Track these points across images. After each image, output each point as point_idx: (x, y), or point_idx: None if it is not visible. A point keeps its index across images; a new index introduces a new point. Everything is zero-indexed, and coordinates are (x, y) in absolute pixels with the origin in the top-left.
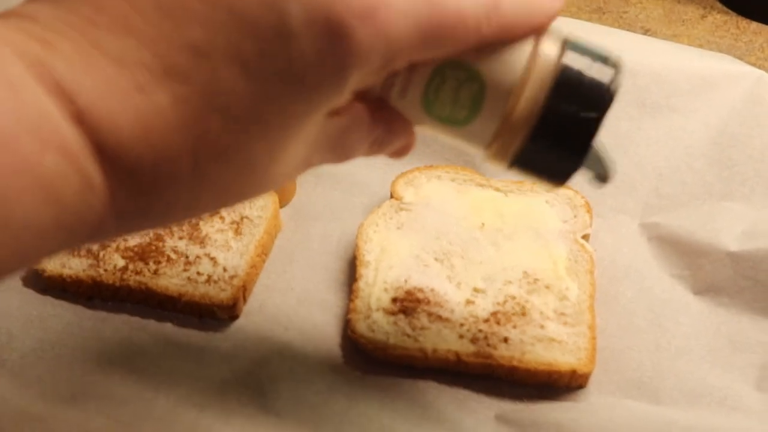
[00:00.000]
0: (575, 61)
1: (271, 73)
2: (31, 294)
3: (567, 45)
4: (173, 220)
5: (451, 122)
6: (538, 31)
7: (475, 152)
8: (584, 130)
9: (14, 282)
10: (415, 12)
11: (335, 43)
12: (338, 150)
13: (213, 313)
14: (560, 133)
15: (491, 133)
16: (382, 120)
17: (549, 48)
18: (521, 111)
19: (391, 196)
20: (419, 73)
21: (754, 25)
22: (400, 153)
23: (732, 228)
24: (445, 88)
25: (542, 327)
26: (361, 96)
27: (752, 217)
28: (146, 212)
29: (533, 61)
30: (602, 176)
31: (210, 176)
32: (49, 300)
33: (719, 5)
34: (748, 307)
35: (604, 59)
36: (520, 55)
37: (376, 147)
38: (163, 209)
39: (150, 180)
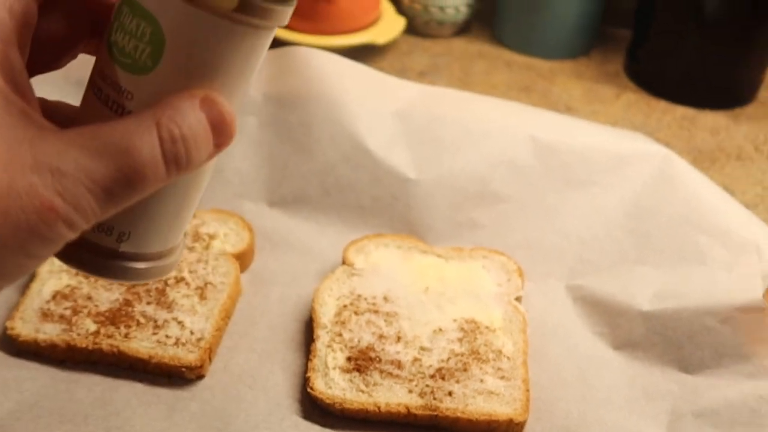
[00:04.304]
0: None
1: None
2: (3, 358)
3: None
4: None
5: None
6: None
7: None
8: None
9: None
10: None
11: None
12: None
13: (181, 373)
14: None
15: None
16: None
17: None
18: None
19: (343, 262)
20: None
21: (663, 104)
22: None
23: (645, 290)
24: None
25: (482, 381)
26: None
27: (661, 281)
28: None
29: None
30: None
31: None
32: (23, 363)
33: (632, 85)
34: (659, 360)
35: None
36: None
37: None
38: None
39: None
